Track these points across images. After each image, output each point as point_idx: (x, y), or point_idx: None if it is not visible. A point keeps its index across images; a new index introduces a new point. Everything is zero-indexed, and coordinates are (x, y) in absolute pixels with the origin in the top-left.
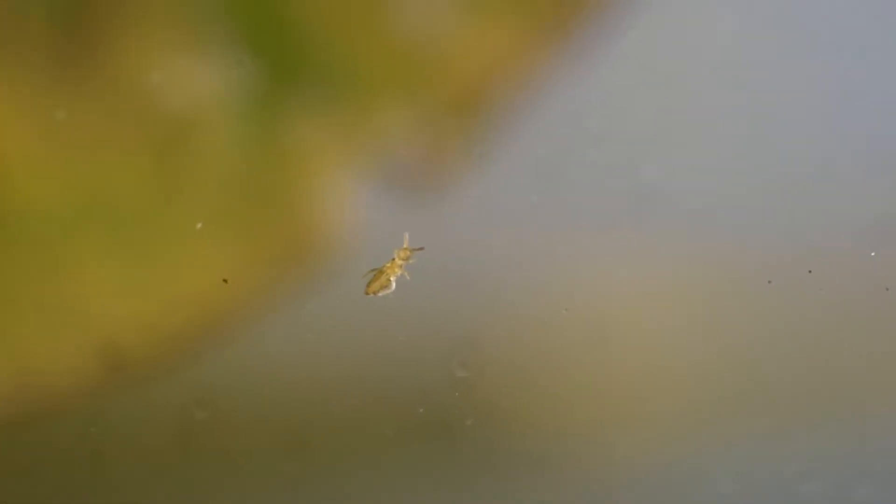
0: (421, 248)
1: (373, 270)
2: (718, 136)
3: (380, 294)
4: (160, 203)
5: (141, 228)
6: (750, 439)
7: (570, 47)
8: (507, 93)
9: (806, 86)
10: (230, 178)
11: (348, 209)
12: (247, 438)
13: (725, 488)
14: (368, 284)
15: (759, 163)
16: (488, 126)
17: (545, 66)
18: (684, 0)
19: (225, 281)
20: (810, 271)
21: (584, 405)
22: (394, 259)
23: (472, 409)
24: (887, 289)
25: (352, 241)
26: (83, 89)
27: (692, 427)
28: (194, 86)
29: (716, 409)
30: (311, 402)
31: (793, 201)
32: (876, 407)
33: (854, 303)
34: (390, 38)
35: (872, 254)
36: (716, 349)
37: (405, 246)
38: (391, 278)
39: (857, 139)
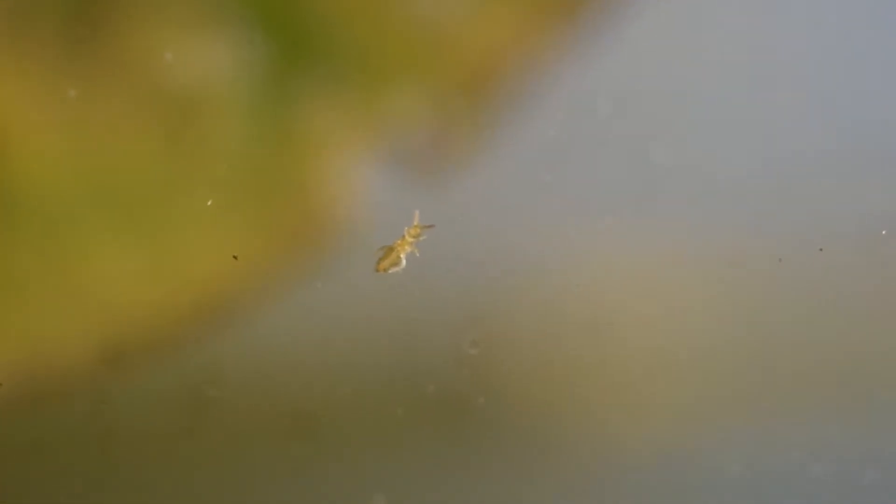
0: (431, 226)
1: (383, 248)
2: (729, 117)
3: (390, 271)
4: (170, 183)
5: (151, 208)
6: (757, 423)
7: (580, 29)
8: (517, 74)
9: (820, 66)
10: (241, 158)
11: (358, 188)
12: (257, 417)
13: (732, 472)
14: (379, 262)
15: (770, 143)
16: (498, 107)
17: (556, 48)
18: None
19: (235, 258)
20: (821, 249)
21: (592, 385)
22: (404, 236)
23: (483, 387)
24: None
25: (362, 220)
26: (93, 70)
27: (700, 410)
28: (205, 66)
29: (724, 392)
30: (320, 381)
31: (804, 180)
32: (884, 390)
33: (864, 285)
34: (401, 19)
35: (883, 232)
36: (725, 331)
37: (415, 223)
38: (402, 255)
39: (872, 120)
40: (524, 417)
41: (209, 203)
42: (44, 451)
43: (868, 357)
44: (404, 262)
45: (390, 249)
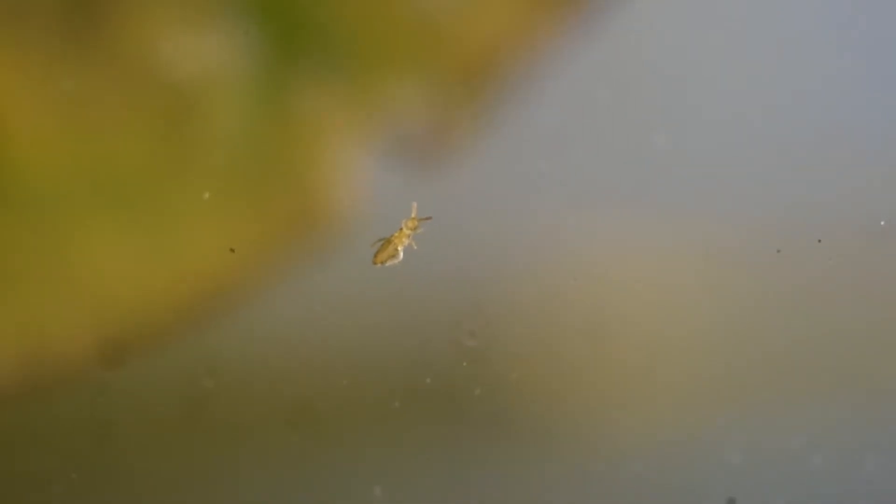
0: (429, 218)
1: (381, 240)
2: (729, 106)
3: (388, 264)
4: (168, 174)
5: (149, 199)
6: (758, 410)
7: (579, 16)
8: (516, 62)
9: (820, 54)
10: (238, 148)
11: (356, 179)
12: (255, 408)
13: (733, 459)
14: (376, 254)
15: (769, 134)
16: (497, 95)
17: (555, 35)
18: None
19: (232, 250)
20: (820, 240)
21: (591, 376)
22: (401, 229)
23: (480, 378)
24: None
25: (359, 210)
26: (90, 60)
27: (701, 398)
28: (202, 56)
29: (725, 380)
30: (318, 372)
31: (803, 171)
32: (885, 378)
33: (863, 272)
34: (399, 7)
35: (882, 223)
36: (724, 319)
37: (413, 216)
38: (399, 248)
39: (872, 110)
40: (521, 409)
41: (206, 196)
42: (42, 443)
43: (867, 347)
44: (402, 254)
45: (387, 242)
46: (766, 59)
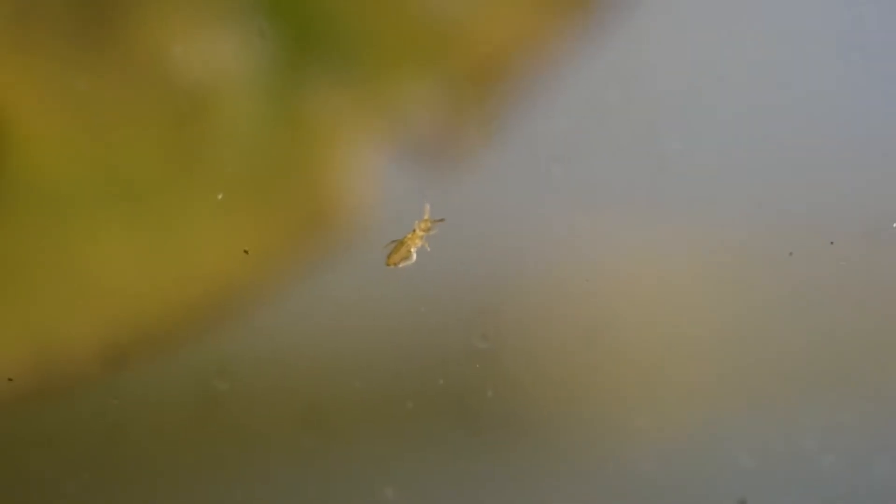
0: (442, 220)
1: (393, 242)
2: (740, 108)
3: (401, 265)
4: (180, 175)
5: (161, 200)
6: (769, 412)
7: (591, 18)
8: (527, 64)
9: (831, 57)
10: (250, 149)
11: (368, 180)
12: (267, 410)
13: (745, 461)
14: (389, 256)
15: (780, 136)
16: (509, 97)
17: (566, 38)
18: None
19: (246, 252)
20: (832, 242)
21: (602, 377)
22: (414, 230)
23: (492, 380)
24: None
25: (372, 212)
26: (103, 60)
27: (711, 399)
28: (215, 56)
29: (736, 382)
30: (330, 374)
31: (815, 173)
32: (894, 380)
33: (874, 278)
34: (412, 8)
35: (894, 225)
36: (736, 321)
37: (426, 217)
38: (412, 250)
39: (884, 112)
40: (533, 410)
41: (220, 197)
42: (53, 445)
43: (879, 348)
44: (415, 256)
45: (400, 244)
46: (776, 61)
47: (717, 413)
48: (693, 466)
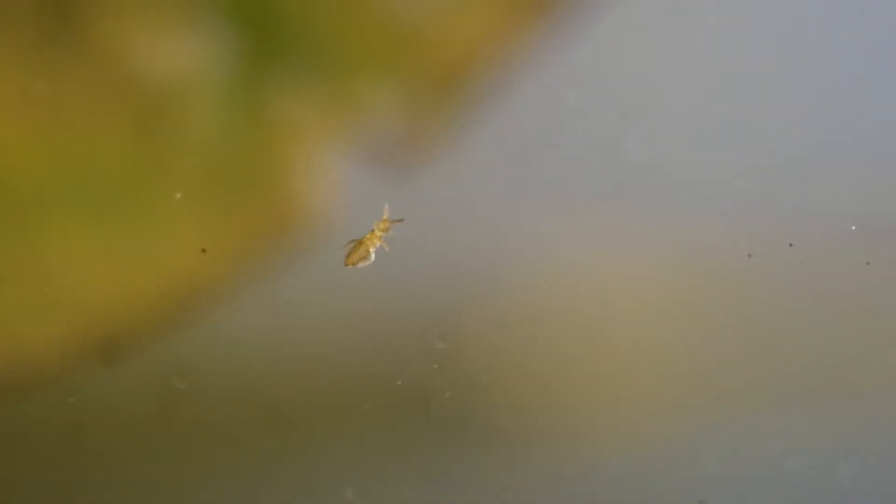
0: (400, 220)
1: (352, 242)
2: (701, 113)
3: (359, 265)
4: (141, 175)
5: (122, 200)
6: (734, 417)
7: (553, 22)
8: (489, 68)
9: (793, 63)
10: (211, 151)
11: (329, 182)
12: (226, 410)
13: (711, 467)
14: (348, 256)
15: (741, 139)
16: (470, 101)
17: (528, 42)
18: None
19: (204, 251)
20: (791, 245)
21: (564, 381)
22: (373, 230)
23: (450, 381)
24: (868, 263)
25: (331, 213)
26: (64, 60)
27: (676, 404)
28: (176, 58)
29: (700, 388)
30: (289, 374)
31: (775, 177)
32: (860, 384)
33: (834, 281)
34: (373, 12)
35: (853, 227)
36: (699, 326)
37: (385, 217)
38: (370, 250)
39: (842, 117)
40: (491, 412)
41: (178, 196)
42: (15, 444)
43: (840, 352)
44: (373, 256)
45: (359, 243)
46: (738, 65)
47: (682, 418)
48: (657, 471)
